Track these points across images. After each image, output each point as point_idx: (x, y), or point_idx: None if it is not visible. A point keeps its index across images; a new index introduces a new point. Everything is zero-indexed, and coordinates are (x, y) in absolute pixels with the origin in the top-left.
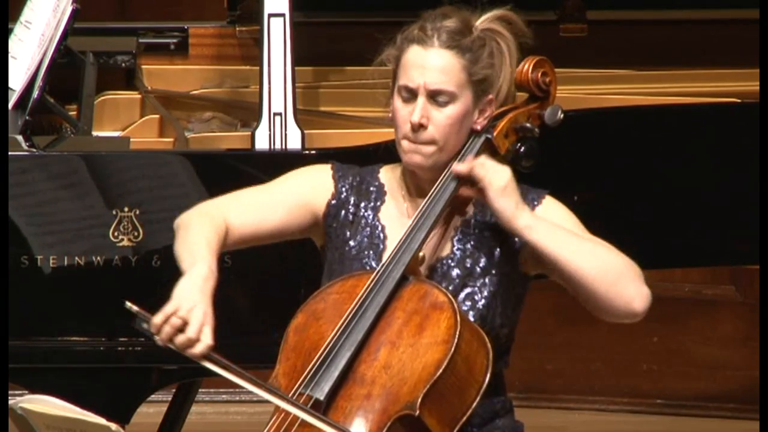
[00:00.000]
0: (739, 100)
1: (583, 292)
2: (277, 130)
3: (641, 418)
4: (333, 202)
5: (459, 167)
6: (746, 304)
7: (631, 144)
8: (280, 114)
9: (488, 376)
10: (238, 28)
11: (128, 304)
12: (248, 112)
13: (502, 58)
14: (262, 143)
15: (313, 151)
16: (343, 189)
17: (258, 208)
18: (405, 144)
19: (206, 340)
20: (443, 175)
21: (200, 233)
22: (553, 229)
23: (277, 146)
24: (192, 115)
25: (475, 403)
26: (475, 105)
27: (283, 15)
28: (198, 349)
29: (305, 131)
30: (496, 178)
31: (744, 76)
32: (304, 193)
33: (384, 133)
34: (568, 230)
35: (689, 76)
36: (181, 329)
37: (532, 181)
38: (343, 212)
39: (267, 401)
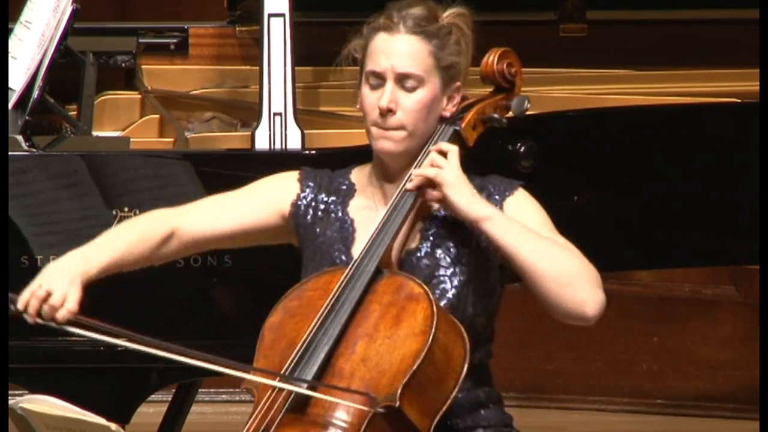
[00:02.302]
0: (739, 100)
1: (536, 290)
2: (277, 130)
3: (641, 418)
4: (298, 202)
5: (409, 185)
6: (746, 304)
7: (631, 144)
8: (280, 114)
9: (466, 365)
10: (238, 28)
11: (11, 294)
12: (248, 112)
13: (463, 52)
14: (262, 143)
15: (313, 151)
16: (308, 189)
17: (215, 210)
18: (374, 130)
19: (69, 306)
20: (414, 165)
21: (113, 233)
22: (510, 223)
23: (277, 146)
24: (192, 115)
25: (453, 393)
26: (443, 91)
27: (283, 15)
28: (60, 314)
29: (305, 131)
30: (444, 175)
31: (744, 76)
32: (266, 195)
33: None
34: (526, 227)
35: (689, 76)
36: (45, 300)
37: (532, 182)
38: (311, 211)
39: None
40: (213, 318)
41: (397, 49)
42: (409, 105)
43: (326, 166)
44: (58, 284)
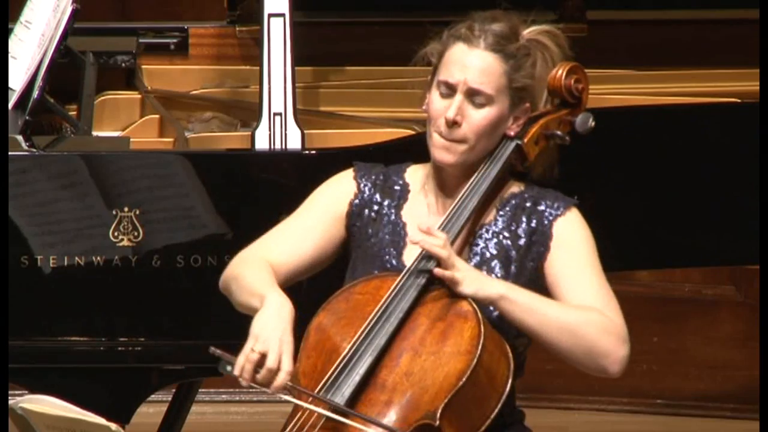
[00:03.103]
0: (739, 100)
1: (559, 355)
2: (277, 130)
3: (641, 418)
4: (356, 201)
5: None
6: (746, 304)
7: (632, 144)
8: (280, 114)
9: (509, 386)
10: (238, 28)
11: (212, 348)
12: (248, 112)
13: (546, 69)
14: (262, 143)
15: (313, 151)
16: (366, 188)
17: (292, 244)
18: (436, 139)
19: (285, 368)
20: (473, 179)
21: (254, 275)
22: (523, 300)
23: (277, 146)
24: (192, 115)
25: (494, 414)
26: (511, 111)
27: (283, 15)
28: (279, 380)
29: (305, 131)
30: (457, 277)
31: (744, 76)
32: (329, 208)
33: (385, 133)
34: (541, 300)
35: (689, 76)
36: (261, 364)
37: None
38: (366, 210)
39: (266, 401)
40: (213, 318)
41: (472, 63)
42: (475, 120)
43: (327, 166)
44: (272, 344)
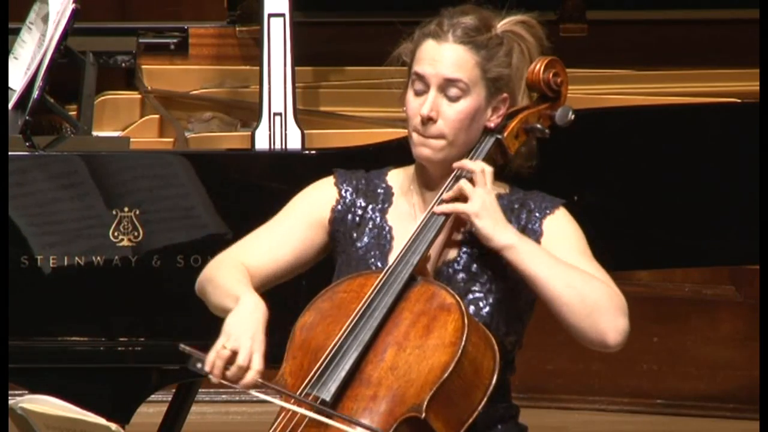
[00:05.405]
0: (739, 100)
1: (559, 318)
2: (277, 130)
3: (641, 418)
4: (338, 207)
5: (436, 208)
6: (746, 304)
7: (631, 144)
8: (280, 114)
9: (495, 378)
10: (238, 28)
11: (182, 346)
12: (248, 112)
13: (523, 60)
14: (262, 143)
15: (313, 151)
16: (347, 193)
17: (269, 249)
18: (415, 137)
19: (255, 366)
20: (453, 174)
21: (229, 276)
22: (534, 252)
23: (277, 146)
24: (192, 115)
25: (481, 406)
26: (488, 102)
27: (283, 15)
28: (248, 377)
29: (305, 131)
30: (469, 208)
31: (744, 76)
32: (309, 215)
33: (385, 133)
34: (551, 256)
35: (689, 76)
36: (231, 361)
37: (532, 181)
38: (349, 216)
39: (267, 402)
40: (213, 318)
41: (443, 57)
42: (450, 115)
43: (327, 166)
44: (243, 342)
